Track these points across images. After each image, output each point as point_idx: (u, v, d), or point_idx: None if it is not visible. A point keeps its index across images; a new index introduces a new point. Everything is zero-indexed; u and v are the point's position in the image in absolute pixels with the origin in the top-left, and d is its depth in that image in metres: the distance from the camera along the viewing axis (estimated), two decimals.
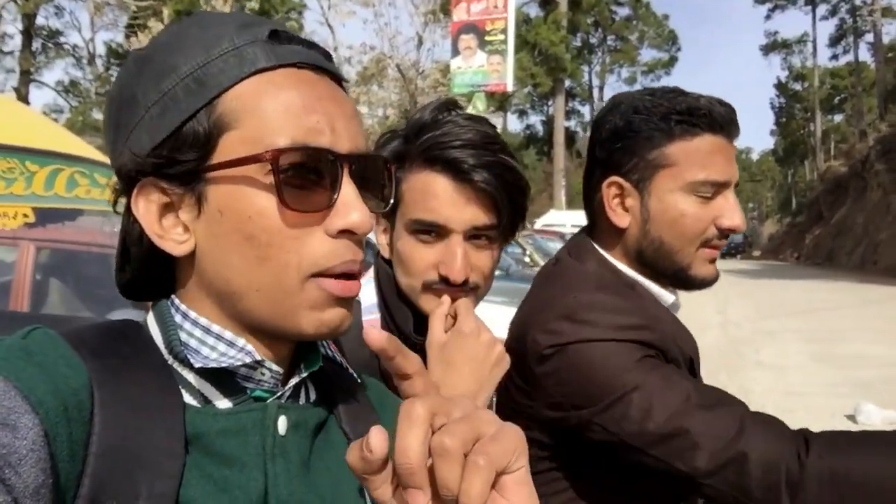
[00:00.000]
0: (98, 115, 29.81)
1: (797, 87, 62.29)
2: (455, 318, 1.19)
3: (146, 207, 0.71)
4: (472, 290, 1.23)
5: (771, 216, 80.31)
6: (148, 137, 0.70)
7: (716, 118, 1.27)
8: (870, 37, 43.99)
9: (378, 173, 0.76)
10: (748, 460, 1.08)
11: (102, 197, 2.82)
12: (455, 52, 20.98)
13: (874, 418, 6.63)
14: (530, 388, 1.29)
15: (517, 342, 1.32)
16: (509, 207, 1.22)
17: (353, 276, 0.72)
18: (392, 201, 0.79)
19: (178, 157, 0.69)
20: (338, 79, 0.76)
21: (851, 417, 6.83)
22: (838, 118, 62.94)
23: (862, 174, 36.44)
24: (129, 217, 0.74)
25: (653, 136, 1.29)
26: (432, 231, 1.20)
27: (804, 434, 1.11)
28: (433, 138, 1.20)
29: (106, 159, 3.66)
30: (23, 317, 4.34)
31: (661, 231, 1.31)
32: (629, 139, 1.31)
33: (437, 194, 1.19)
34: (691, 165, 1.27)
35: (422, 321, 1.23)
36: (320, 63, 0.73)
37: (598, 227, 1.42)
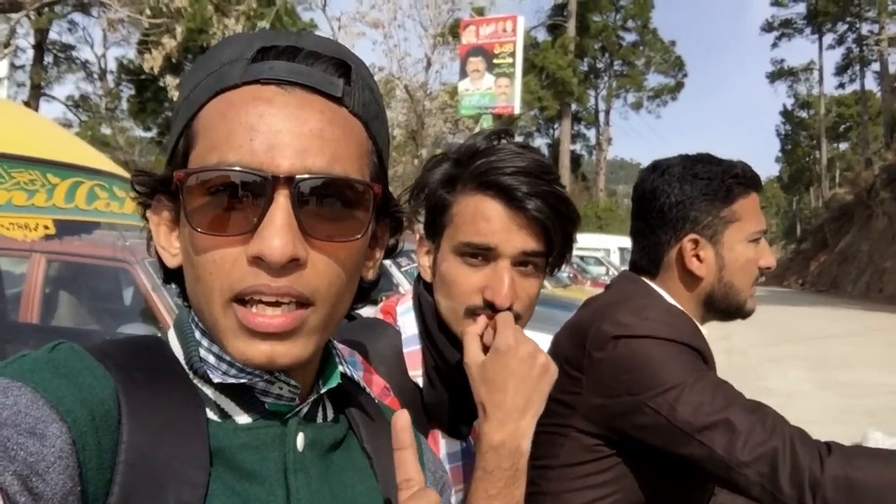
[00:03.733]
0: (107, 131, 29.97)
1: (803, 114, 62.35)
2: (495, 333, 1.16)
3: (155, 222, 0.75)
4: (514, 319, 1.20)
5: (776, 243, 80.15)
6: (165, 158, 0.74)
7: (756, 178, 1.51)
8: (876, 66, 44.19)
9: (346, 197, 0.69)
10: (780, 457, 1.22)
11: (121, 210, 2.85)
12: (463, 74, 21.11)
13: (882, 445, 6.58)
14: (584, 374, 1.43)
15: (575, 336, 1.48)
16: (560, 237, 1.21)
17: (276, 305, 0.66)
18: (370, 228, 0.73)
19: (167, 175, 0.71)
20: (323, 92, 0.70)
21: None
22: (844, 146, 63.06)
23: (867, 202, 36.40)
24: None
25: (723, 197, 1.52)
26: (480, 254, 1.19)
27: (826, 443, 1.26)
28: (487, 164, 1.19)
29: (124, 173, 3.69)
30: (32, 328, 4.34)
31: (732, 275, 1.53)
32: (700, 200, 1.53)
33: (489, 218, 1.18)
34: (750, 219, 1.51)
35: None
36: (293, 78, 0.68)
37: (670, 274, 1.60)
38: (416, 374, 1.27)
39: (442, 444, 1.29)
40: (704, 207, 1.52)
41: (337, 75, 0.71)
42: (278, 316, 0.65)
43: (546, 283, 12.46)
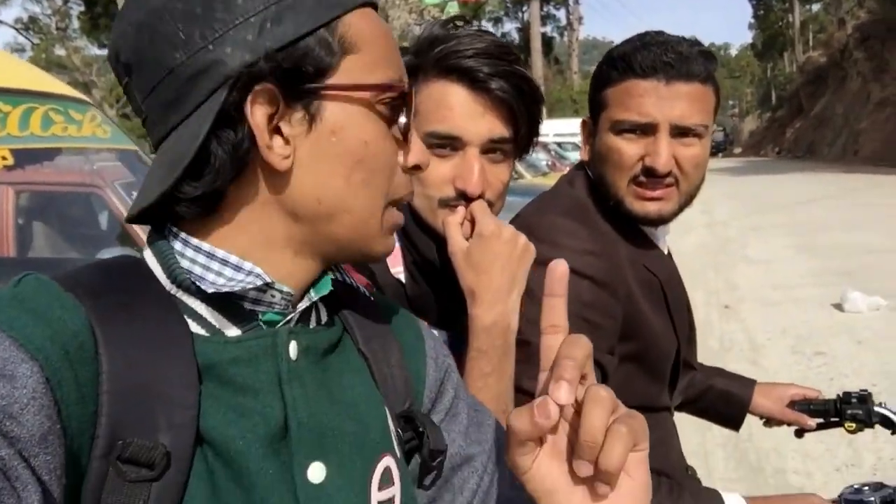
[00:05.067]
0: (61, 52, 28.84)
1: None
2: (472, 223, 1.18)
3: (262, 116, 0.66)
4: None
5: (751, 112, 79.98)
6: (260, 41, 0.65)
7: (639, 63, 1.35)
8: None
9: None
10: None
11: (80, 133, 2.74)
12: None
13: (860, 305, 6.78)
14: None
15: None
16: (526, 118, 1.20)
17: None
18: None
19: (300, 69, 0.66)
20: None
21: (838, 306, 6.97)
22: (816, 7, 62.01)
23: (841, 63, 36.23)
24: (201, 124, 0.65)
25: (596, 81, 1.45)
26: (447, 144, 1.18)
27: None
28: (447, 48, 1.17)
29: (78, 94, 3.54)
30: (10, 262, 4.29)
31: (601, 166, 1.43)
32: (592, 86, 1.47)
33: (452, 105, 1.17)
34: (616, 107, 1.39)
35: (440, 243, 1.21)
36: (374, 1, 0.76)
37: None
38: (398, 270, 1.28)
39: None
40: (590, 92, 1.49)
41: None
42: None
43: (524, 172, 12.37)
